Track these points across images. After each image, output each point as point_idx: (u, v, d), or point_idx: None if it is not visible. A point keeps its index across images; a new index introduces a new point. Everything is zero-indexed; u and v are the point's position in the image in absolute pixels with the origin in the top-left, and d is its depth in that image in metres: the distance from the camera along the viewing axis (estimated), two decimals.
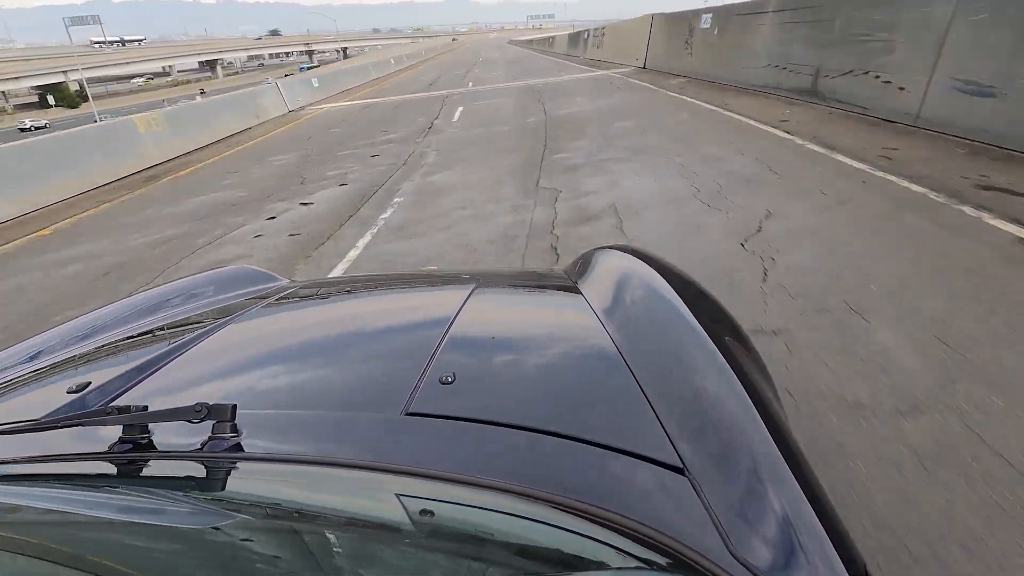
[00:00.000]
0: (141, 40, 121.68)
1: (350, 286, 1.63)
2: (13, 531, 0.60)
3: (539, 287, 1.48)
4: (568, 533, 0.59)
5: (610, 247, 1.41)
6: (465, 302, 1.14)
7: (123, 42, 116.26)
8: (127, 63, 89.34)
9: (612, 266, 1.28)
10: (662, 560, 0.55)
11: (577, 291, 1.20)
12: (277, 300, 1.36)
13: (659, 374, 0.84)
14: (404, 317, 1.25)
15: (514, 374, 0.93)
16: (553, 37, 39.64)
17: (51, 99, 65.35)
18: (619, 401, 0.81)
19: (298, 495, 0.68)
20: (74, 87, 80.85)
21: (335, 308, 1.41)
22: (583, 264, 1.37)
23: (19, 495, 0.67)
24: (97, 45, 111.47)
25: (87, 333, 1.34)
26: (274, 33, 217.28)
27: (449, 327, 1.02)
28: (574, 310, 1.13)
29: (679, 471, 0.67)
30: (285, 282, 1.65)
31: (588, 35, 24.11)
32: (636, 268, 1.22)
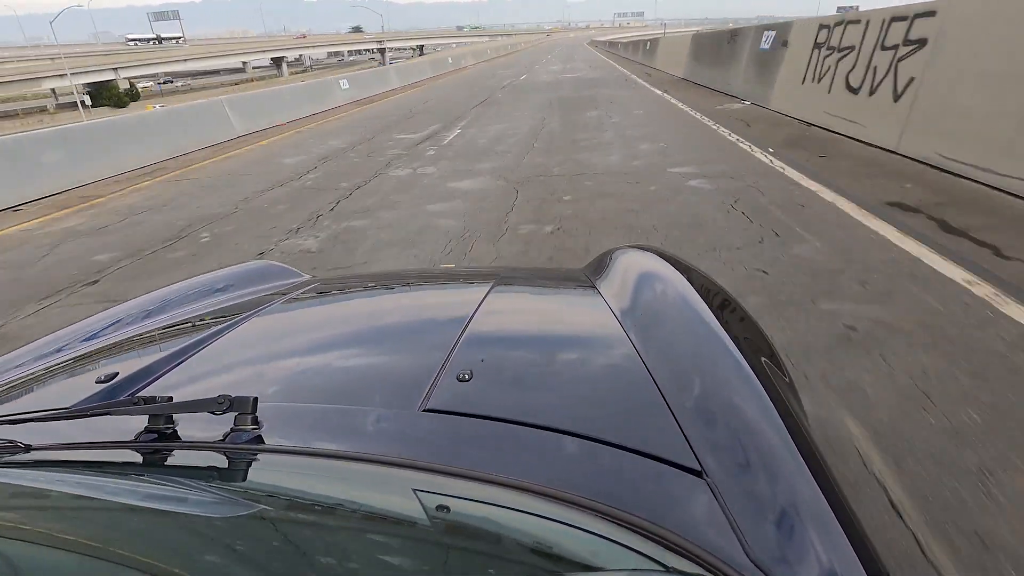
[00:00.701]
0: (179, 38, 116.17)
1: (370, 282, 1.67)
2: (44, 515, 0.64)
3: (557, 286, 1.46)
4: (584, 533, 0.58)
5: (630, 247, 1.42)
6: (483, 300, 1.15)
7: (159, 40, 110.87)
8: (186, 60, 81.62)
9: (632, 266, 1.27)
10: (679, 563, 0.55)
11: (596, 290, 1.21)
12: (298, 295, 1.39)
13: (678, 376, 0.84)
14: (423, 314, 1.27)
15: (531, 373, 0.93)
16: (654, 40, 23.52)
17: (87, 100, 57.26)
18: (637, 402, 0.80)
19: (316, 488, 0.69)
20: (124, 85, 73.68)
21: (355, 304, 1.43)
22: (602, 263, 1.37)
23: (50, 480, 0.69)
24: (133, 43, 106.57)
25: (115, 325, 1.37)
26: (356, 29, 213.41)
27: (467, 325, 1.03)
28: (593, 309, 1.13)
29: (698, 474, 0.66)
30: (307, 278, 1.70)
31: (780, 43, 8.66)
32: (657, 268, 1.22)
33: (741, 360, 0.85)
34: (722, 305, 1.11)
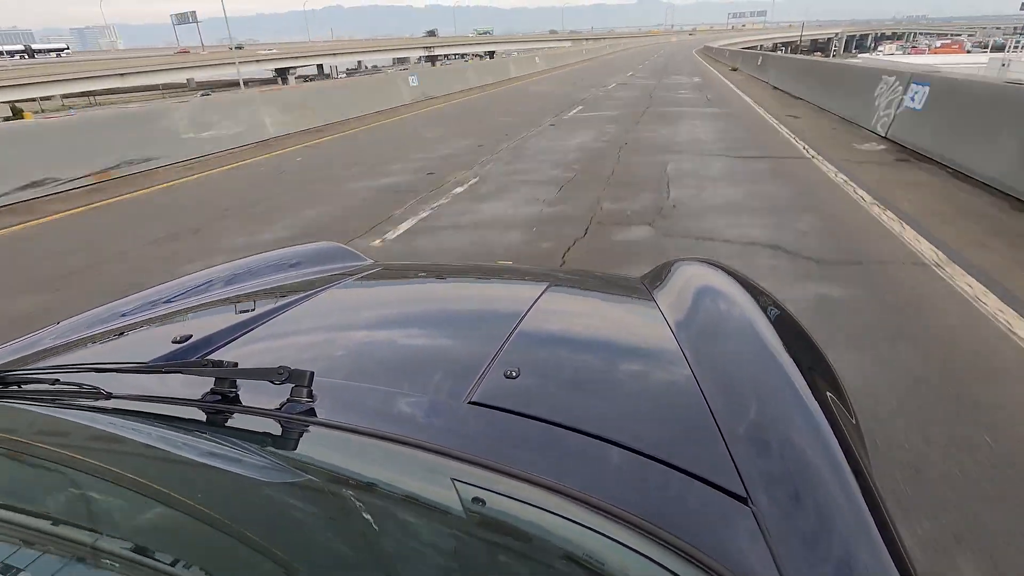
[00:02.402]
0: (62, 50, 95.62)
1: (429, 272, 1.73)
2: (117, 458, 0.70)
3: (612, 292, 1.45)
4: (615, 544, 0.58)
5: (693, 259, 1.39)
6: (537, 299, 1.15)
7: (31, 53, 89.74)
8: (113, 75, 59.66)
9: (694, 279, 1.24)
10: None
11: (652, 301, 1.19)
12: (360, 279, 1.43)
13: (733, 399, 0.81)
14: (476, 308, 1.28)
15: (578, 377, 0.92)
16: None
17: None
18: (685, 420, 0.79)
19: (359, 465, 0.72)
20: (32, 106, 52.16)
21: (412, 292, 1.47)
22: (662, 274, 1.35)
23: (125, 427, 0.75)
24: None
25: (196, 289, 1.46)
26: (431, 33, 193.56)
27: (519, 323, 1.03)
28: (647, 320, 1.11)
29: (743, 501, 0.64)
30: (369, 262, 1.72)
31: None
32: (720, 284, 1.19)
33: (805, 392, 0.81)
34: (789, 331, 1.05)
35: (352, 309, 1.27)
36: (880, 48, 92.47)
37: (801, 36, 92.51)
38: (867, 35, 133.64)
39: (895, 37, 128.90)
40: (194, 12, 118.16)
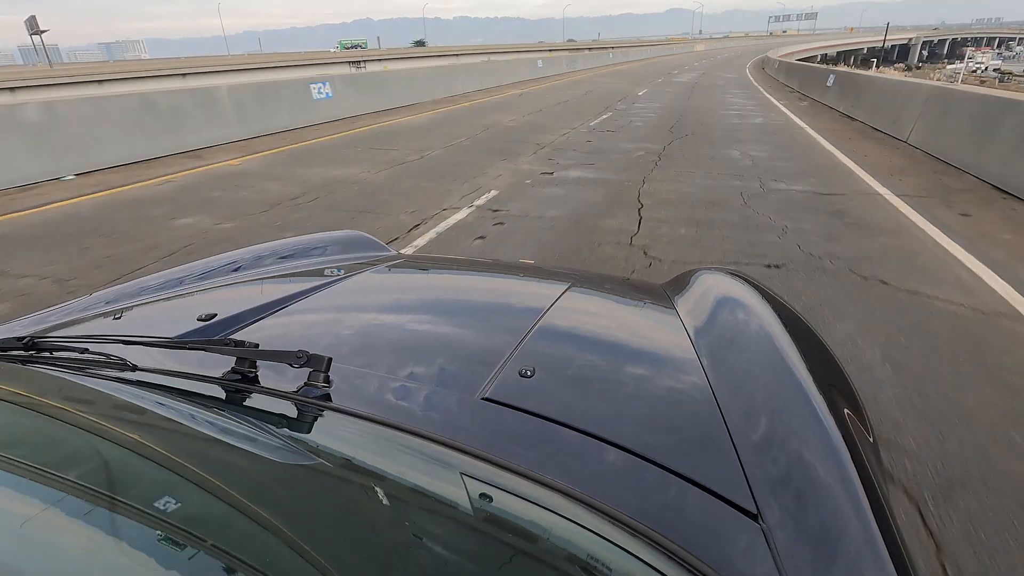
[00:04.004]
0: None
1: (451, 266, 1.73)
2: (138, 429, 0.72)
3: (633, 297, 1.43)
4: (621, 551, 0.57)
5: (718, 269, 1.38)
6: (557, 300, 1.15)
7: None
8: None
9: (716, 289, 1.23)
10: None
11: (672, 308, 1.18)
12: (383, 269, 1.44)
13: (748, 412, 0.80)
14: (496, 304, 1.27)
15: (594, 380, 0.92)
16: None
17: None
18: (698, 431, 0.79)
19: (370, 452, 0.72)
20: None
21: (433, 285, 1.46)
22: (684, 282, 1.34)
23: (147, 400, 0.77)
24: None
25: (224, 267, 1.49)
26: (419, 44, 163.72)
27: (536, 322, 1.03)
28: (666, 327, 1.11)
29: (753, 517, 0.63)
30: (392, 253, 1.73)
31: None
32: (743, 296, 1.18)
33: (822, 408, 0.81)
34: (810, 346, 1.03)
35: (373, 298, 1.27)
36: (975, 57, 59.98)
37: (885, 40, 60.37)
38: (944, 40, 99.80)
39: (975, 42, 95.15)
40: (34, 17, 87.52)
